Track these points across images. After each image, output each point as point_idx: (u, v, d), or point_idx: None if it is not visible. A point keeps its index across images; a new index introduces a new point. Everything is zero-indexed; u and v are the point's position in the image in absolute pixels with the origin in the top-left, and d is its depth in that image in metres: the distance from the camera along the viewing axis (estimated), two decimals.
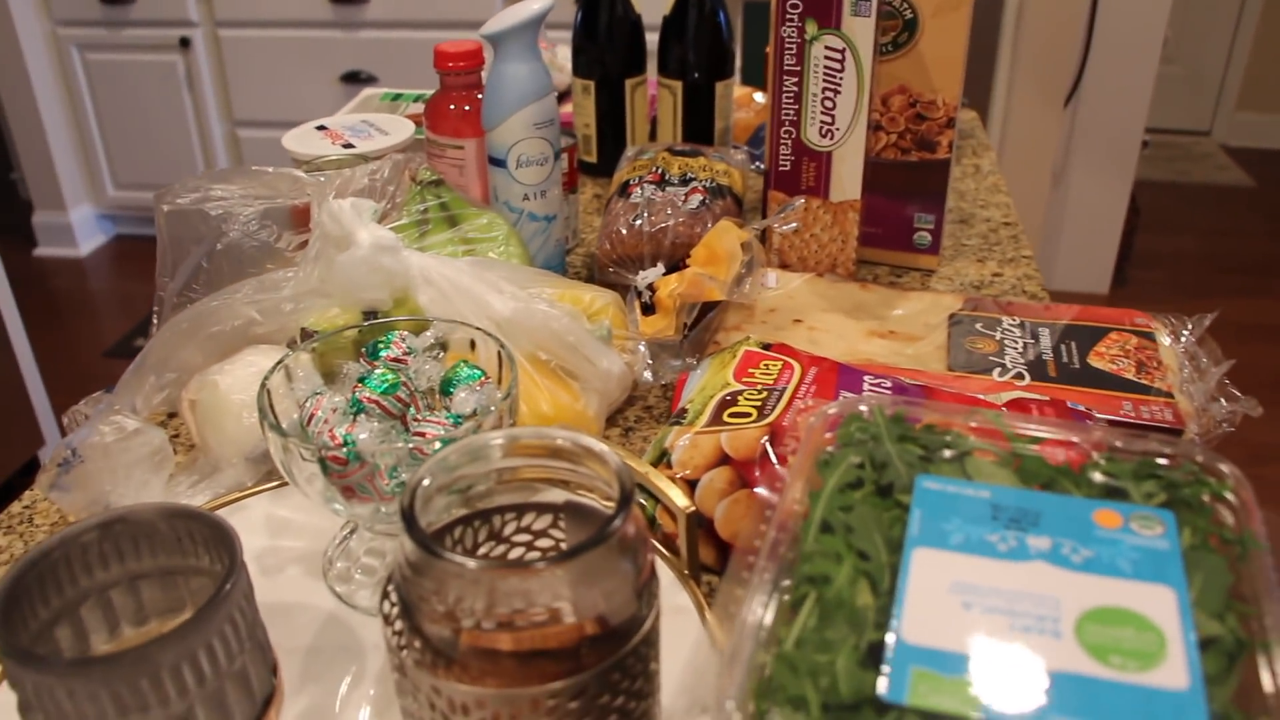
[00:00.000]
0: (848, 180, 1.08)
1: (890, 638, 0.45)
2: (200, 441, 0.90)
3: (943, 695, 0.43)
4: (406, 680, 0.55)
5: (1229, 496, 0.53)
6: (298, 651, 0.72)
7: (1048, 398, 0.85)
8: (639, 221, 1.06)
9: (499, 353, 0.75)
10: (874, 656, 0.45)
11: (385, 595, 0.57)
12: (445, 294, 0.87)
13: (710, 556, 0.76)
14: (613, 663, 0.52)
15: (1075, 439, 0.56)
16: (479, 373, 0.75)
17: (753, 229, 1.00)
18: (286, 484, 0.81)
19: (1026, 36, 2.98)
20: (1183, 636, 0.45)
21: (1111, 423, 0.86)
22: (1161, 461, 0.55)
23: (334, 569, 0.77)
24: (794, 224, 1.03)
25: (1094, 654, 0.44)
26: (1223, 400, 0.92)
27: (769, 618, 0.48)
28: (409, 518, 0.53)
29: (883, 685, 0.43)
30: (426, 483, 0.56)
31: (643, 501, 0.77)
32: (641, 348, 0.92)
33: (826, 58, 1.04)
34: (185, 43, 3.37)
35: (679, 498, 0.71)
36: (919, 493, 0.53)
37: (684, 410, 0.81)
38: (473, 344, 0.78)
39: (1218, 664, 0.44)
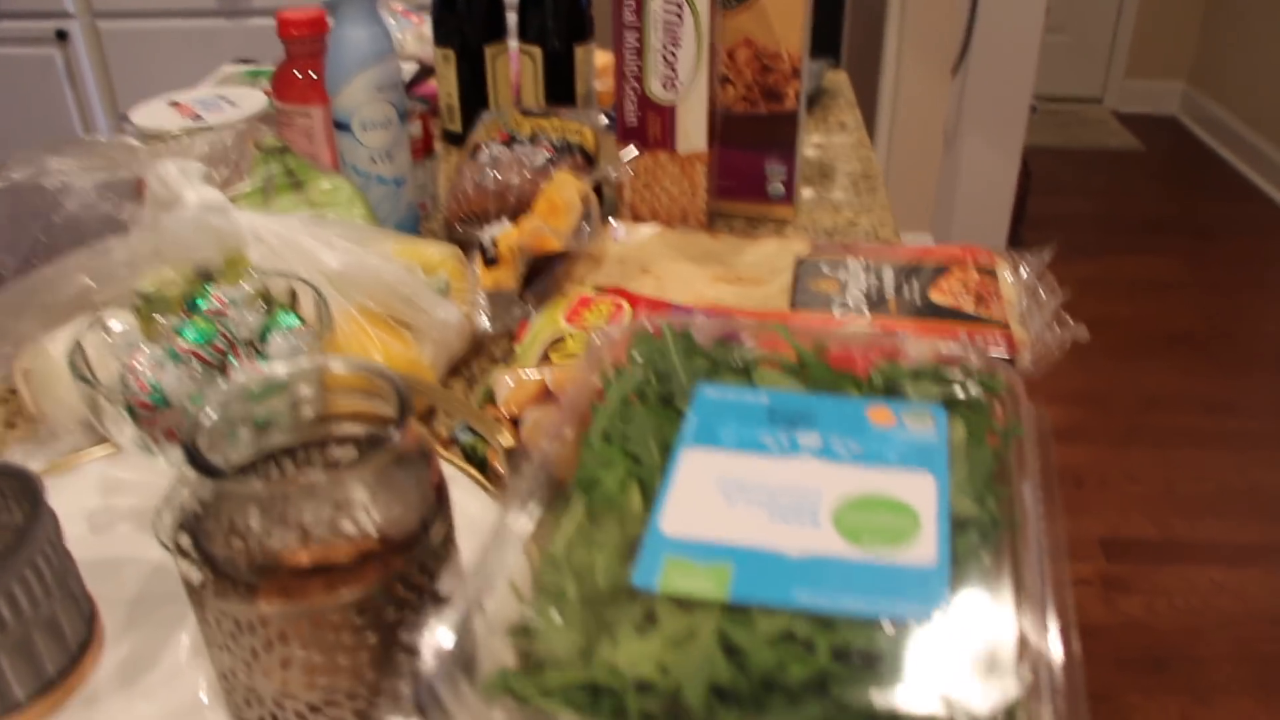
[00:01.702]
0: (694, 132, 1.09)
1: (648, 530, 0.46)
2: (36, 410, 0.89)
3: (693, 580, 0.43)
4: (199, 607, 0.55)
5: (1002, 393, 0.54)
6: (123, 602, 0.71)
7: (879, 330, 0.86)
8: (485, 180, 1.06)
9: (316, 300, 0.74)
10: (636, 551, 0.46)
11: (178, 528, 0.57)
12: (276, 251, 0.86)
13: None
14: (396, 576, 0.52)
15: (861, 346, 0.57)
16: (297, 320, 0.75)
17: (590, 179, 1.00)
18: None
19: (913, 5, 3.02)
20: (937, 519, 0.46)
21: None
22: (940, 363, 0.56)
23: (163, 521, 0.76)
24: (629, 171, 1.04)
25: (848, 537, 0.45)
26: (1058, 328, 0.94)
27: (531, 524, 0.48)
28: (189, 447, 0.53)
29: (635, 574, 0.44)
30: (211, 414, 0.56)
31: (474, 443, 0.77)
32: (480, 298, 0.91)
33: (665, 11, 1.04)
34: (62, 35, 3.29)
35: (500, 435, 0.71)
36: (698, 399, 0.54)
37: (511, 352, 0.81)
38: (293, 294, 0.78)
39: (969, 542, 0.45)
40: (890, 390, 0.55)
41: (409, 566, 0.52)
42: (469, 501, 0.71)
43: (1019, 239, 3.58)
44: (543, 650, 0.42)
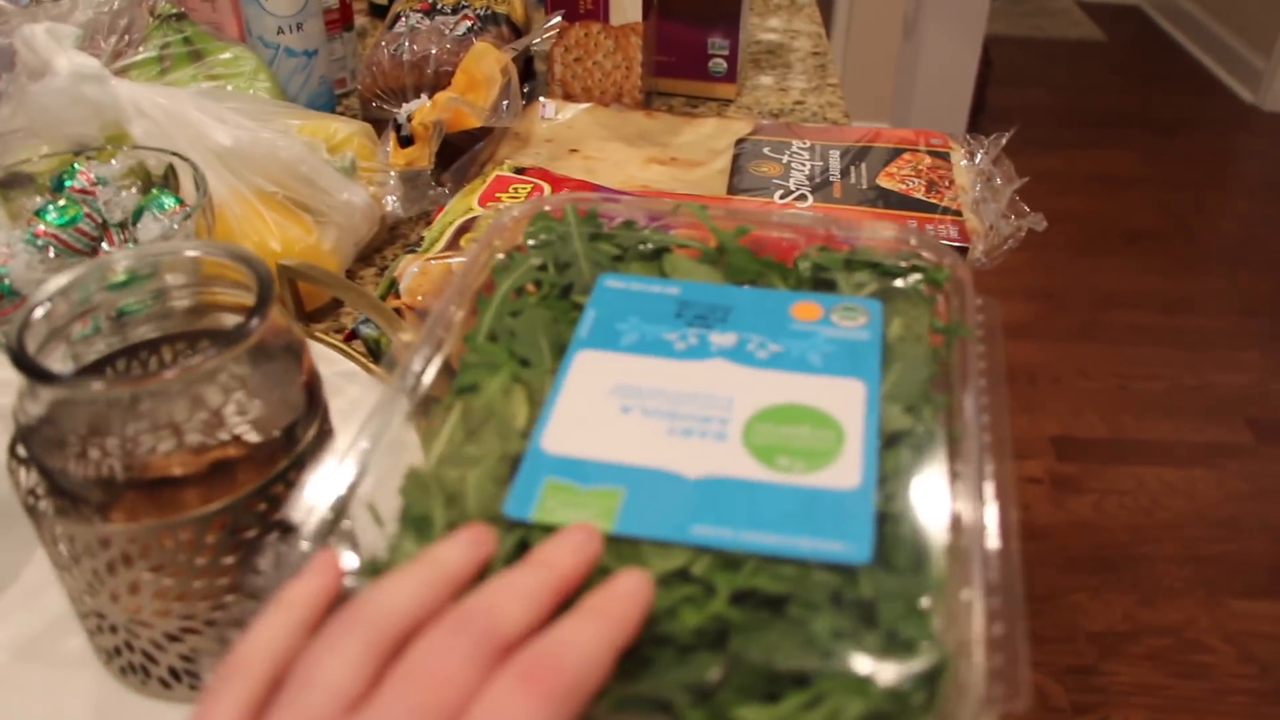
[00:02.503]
0: (628, 1, 1.00)
1: (528, 448, 0.39)
2: None
3: (575, 509, 0.37)
4: (37, 526, 0.48)
5: (946, 285, 0.48)
6: None
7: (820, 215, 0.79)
8: (401, 51, 0.97)
9: (195, 178, 0.66)
10: (515, 470, 0.39)
11: (13, 441, 0.50)
12: (160, 125, 0.78)
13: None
14: (256, 490, 0.45)
15: (788, 230, 0.51)
16: (174, 200, 0.67)
17: (511, 49, 0.91)
18: None
19: None
20: (864, 432, 0.40)
21: None
22: (878, 250, 0.50)
23: None
24: (551, 35, 0.95)
25: (759, 456, 0.39)
26: (1013, 217, 0.88)
27: (401, 434, 0.41)
28: (14, 347, 0.46)
29: (508, 501, 0.37)
30: (40, 311, 0.48)
31: (378, 337, 0.70)
32: (391, 179, 0.84)
33: None
34: None
35: (400, 329, 0.64)
36: (598, 292, 0.47)
37: (420, 238, 0.74)
38: (170, 172, 0.70)
39: (900, 460, 0.39)
40: (820, 282, 0.48)
41: (271, 479, 0.46)
42: (370, 400, 0.64)
43: (978, 130, 3.50)
44: None
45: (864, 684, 0.31)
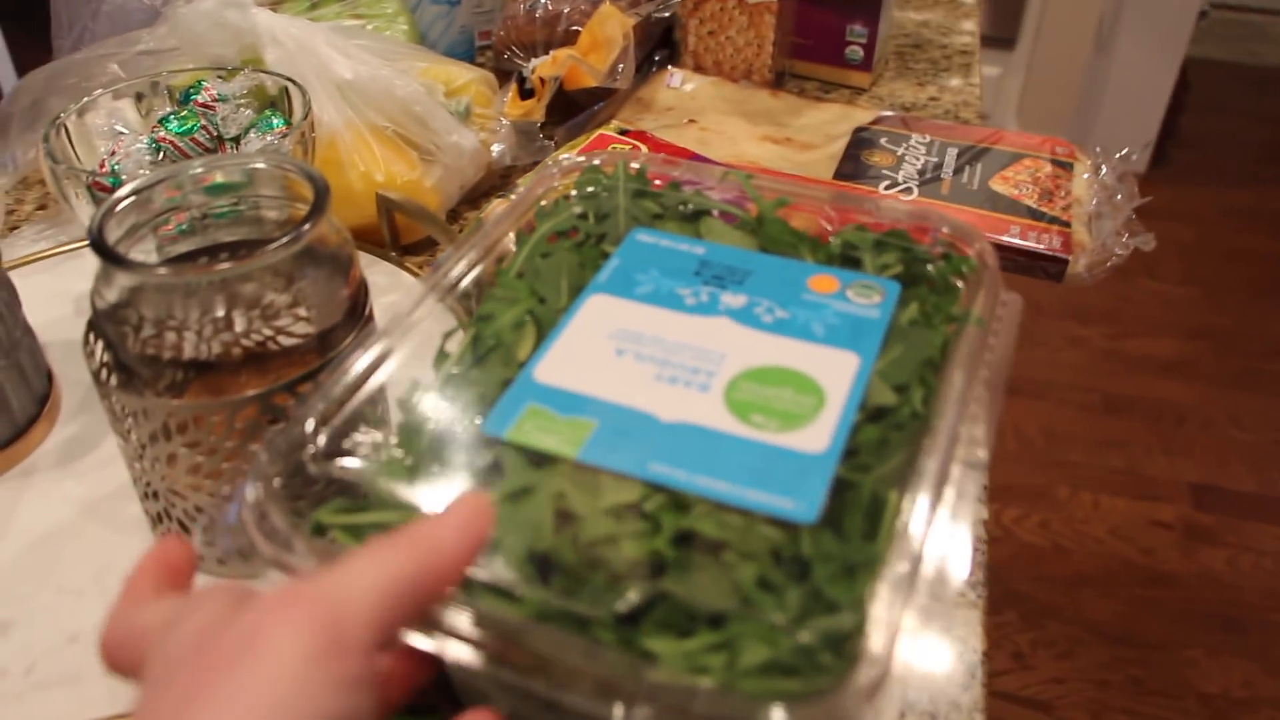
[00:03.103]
0: None
1: (521, 374, 0.41)
2: (56, 191, 0.87)
3: (547, 434, 0.39)
4: (101, 395, 0.53)
5: (971, 275, 0.48)
6: (86, 384, 0.70)
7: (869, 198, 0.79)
8: (536, 7, 1.00)
9: (303, 104, 0.70)
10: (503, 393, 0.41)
11: (89, 324, 0.54)
12: (290, 54, 0.82)
13: None
14: (284, 385, 0.48)
15: (829, 207, 0.51)
16: (282, 122, 0.71)
17: (635, 15, 0.93)
18: None
19: None
20: (845, 402, 0.40)
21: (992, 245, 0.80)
22: (909, 233, 0.50)
23: None
24: (676, 4, 0.96)
25: (735, 411, 0.40)
26: (1127, 236, 0.86)
27: (416, 344, 0.44)
28: (94, 229, 0.50)
29: (488, 420, 0.39)
30: (123, 204, 0.52)
31: None
32: (503, 127, 0.86)
33: None
34: None
35: None
36: (627, 244, 0.48)
37: (518, 186, 0.76)
38: (284, 96, 0.74)
39: (877, 434, 0.40)
40: (849, 259, 0.49)
41: (300, 377, 0.49)
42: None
43: (1165, 156, 3.36)
44: (383, 488, 0.39)
45: (774, 633, 0.32)
